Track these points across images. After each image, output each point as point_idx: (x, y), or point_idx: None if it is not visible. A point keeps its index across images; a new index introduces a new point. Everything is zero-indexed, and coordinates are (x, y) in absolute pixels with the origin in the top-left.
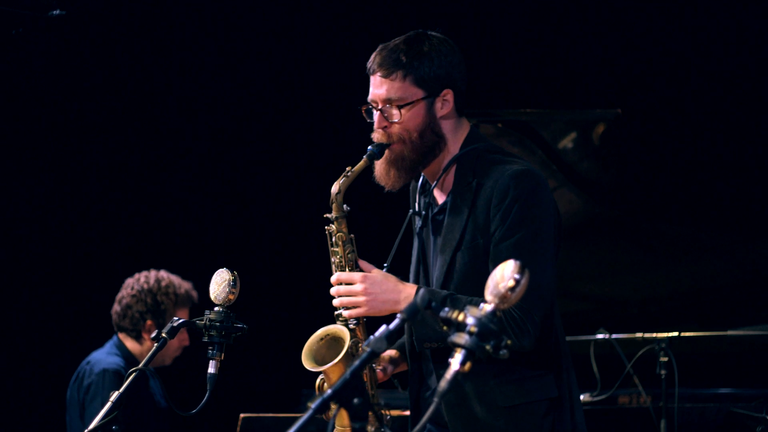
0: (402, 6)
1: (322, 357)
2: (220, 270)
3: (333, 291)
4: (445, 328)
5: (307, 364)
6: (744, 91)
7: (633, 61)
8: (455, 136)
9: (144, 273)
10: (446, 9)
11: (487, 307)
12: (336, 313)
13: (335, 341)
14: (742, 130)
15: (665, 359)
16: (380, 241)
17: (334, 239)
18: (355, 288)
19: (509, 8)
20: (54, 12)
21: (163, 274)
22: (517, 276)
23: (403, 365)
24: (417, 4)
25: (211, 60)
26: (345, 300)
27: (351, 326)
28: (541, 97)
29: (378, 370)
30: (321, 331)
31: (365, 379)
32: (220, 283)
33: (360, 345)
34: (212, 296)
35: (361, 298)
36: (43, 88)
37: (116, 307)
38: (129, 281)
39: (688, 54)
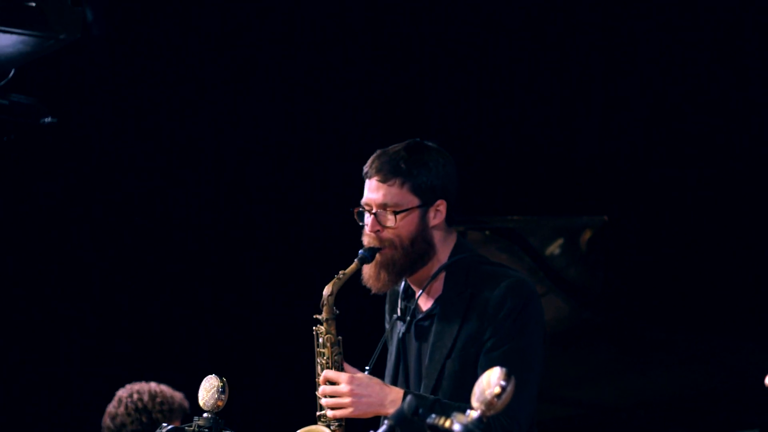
0: (388, 113)
1: None
2: (209, 376)
3: (319, 391)
4: None
5: None
6: (729, 198)
7: (619, 170)
8: (444, 245)
9: (136, 387)
10: (434, 116)
11: (473, 414)
12: (318, 413)
13: None
14: (726, 237)
15: None
16: (358, 342)
17: (321, 340)
18: (342, 389)
19: (495, 115)
20: (46, 120)
21: (154, 387)
22: (503, 383)
23: None
24: (403, 112)
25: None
26: (330, 401)
27: (333, 427)
28: (528, 204)
29: None
30: (302, 431)
31: None
32: (208, 390)
33: None
34: (201, 402)
35: (346, 400)
36: None
37: (109, 423)
38: (122, 395)
39: (672, 162)
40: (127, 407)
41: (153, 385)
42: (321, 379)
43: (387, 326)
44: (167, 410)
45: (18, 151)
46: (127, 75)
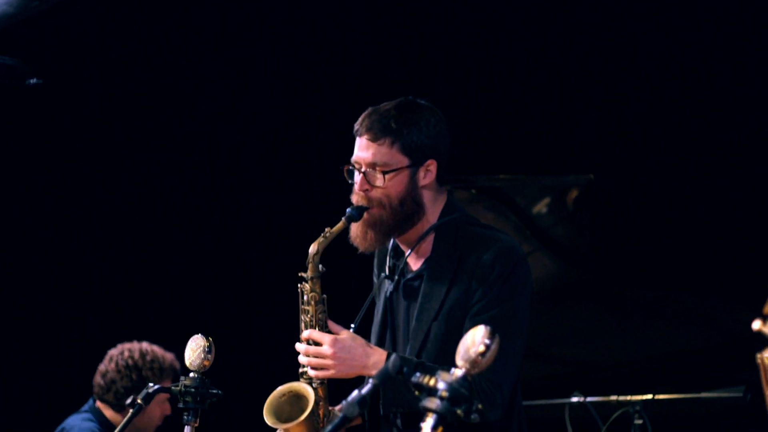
0: (379, 71)
1: (283, 413)
2: (195, 336)
3: (302, 349)
4: (417, 392)
5: (269, 420)
6: (715, 156)
7: (605, 128)
8: (434, 206)
9: (127, 346)
10: (420, 74)
11: (458, 372)
12: (301, 370)
13: (297, 398)
14: (713, 195)
15: (640, 422)
16: (345, 299)
17: (306, 298)
18: (324, 350)
19: (481, 75)
20: (31, 81)
21: (146, 346)
22: (487, 341)
23: (356, 419)
24: (394, 70)
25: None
26: (313, 360)
27: (314, 385)
28: (514, 163)
29: None
30: (283, 387)
31: None
32: (195, 349)
33: (321, 404)
34: (187, 362)
35: (329, 361)
36: None
37: (99, 380)
38: (113, 354)
39: (659, 119)
40: (117, 364)
41: (145, 344)
42: (305, 336)
43: (375, 281)
44: (157, 368)
45: (2, 113)
46: (114, 35)
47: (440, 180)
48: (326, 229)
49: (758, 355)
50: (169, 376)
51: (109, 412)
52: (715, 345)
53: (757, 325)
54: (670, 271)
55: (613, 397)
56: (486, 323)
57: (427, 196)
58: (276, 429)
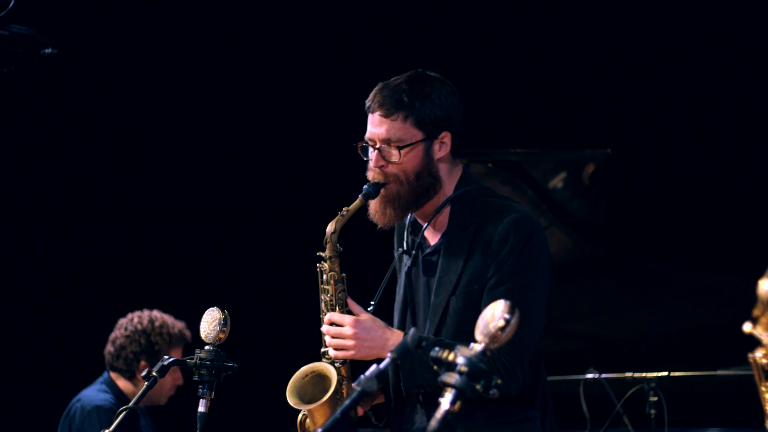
0: (392, 44)
1: (306, 394)
2: (211, 309)
3: (324, 330)
4: (435, 367)
5: (292, 401)
6: (732, 131)
7: (623, 102)
8: (450, 178)
9: (137, 313)
10: (437, 48)
11: (477, 347)
12: (322, 350)
13: (320, 378)
14: (731, 170)
15: (655, 399)
16: (365, 277)
17: (325, 277)
18: (345, 332)
19: (501, 48)
20: (46, 51)
21: (156, 314)
22: (507, 316)
23: (379, 398)
24: (406, 43)
25: (198, 104)
26: (334, 341)
27: (337, 365)
28: (531, 137)
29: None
30: (306, 368)
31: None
32: (210, 322)
33: (344, 383)
34: (203, 335)
35: (349, 342)
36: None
37: (110, 348)
38: (122, 321)
39: (676, 95)
40: (126, 329)
41: (155, 312)
42: (326, 320)
43: (396, 256)
44: (166, 334)
45: (18, 82)
46: (131, 6)
47: (455, 152)
48: (343, 209)
49: (750, 355)
50: (178, 343)
51: (122, 382)
52: (731, 322)
53: (747, 327)
54: (687, 247)
55: (629, 374)
56: (503, 296)
57: (442, 169)
58: (299, 410)
